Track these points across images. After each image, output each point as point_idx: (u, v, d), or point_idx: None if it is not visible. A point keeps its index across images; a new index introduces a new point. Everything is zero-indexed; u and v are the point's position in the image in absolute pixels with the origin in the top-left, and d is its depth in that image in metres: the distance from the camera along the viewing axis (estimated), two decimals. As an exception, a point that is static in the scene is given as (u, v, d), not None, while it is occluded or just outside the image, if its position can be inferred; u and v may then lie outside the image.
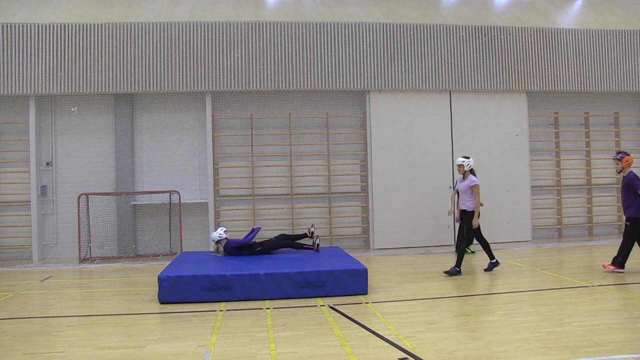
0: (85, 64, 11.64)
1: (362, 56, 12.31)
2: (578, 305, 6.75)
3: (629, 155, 8.64)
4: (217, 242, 9.09)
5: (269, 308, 6.80)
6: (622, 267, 8.50)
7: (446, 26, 12.61)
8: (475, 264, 9.97)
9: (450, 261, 10.55)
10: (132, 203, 12.08)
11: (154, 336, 5.77)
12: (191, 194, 12.28)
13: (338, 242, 12.48)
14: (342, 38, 12.29)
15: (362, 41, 12.33)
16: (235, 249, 8.95)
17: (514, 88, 12.80)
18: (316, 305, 6.89)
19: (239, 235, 9.69)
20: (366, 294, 7.41)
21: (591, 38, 13.14)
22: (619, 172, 8.74)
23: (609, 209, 13.54)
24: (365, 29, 12.37)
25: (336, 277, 7.36)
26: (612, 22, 13.80)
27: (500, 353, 4.86)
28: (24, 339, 5.69)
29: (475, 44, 12.67)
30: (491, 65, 12.69)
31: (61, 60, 11.59)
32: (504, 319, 6.10)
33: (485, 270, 9.00)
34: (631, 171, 8.60)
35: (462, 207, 9.07)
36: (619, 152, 8.78)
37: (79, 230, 11.51)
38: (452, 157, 12.59)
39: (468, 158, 9.09)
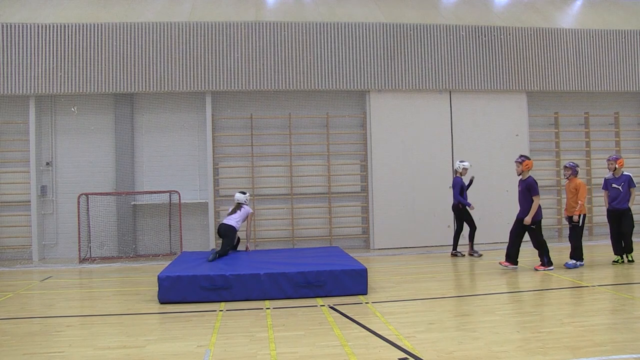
0: (85, 64, 11.64)
1: (362, 56, 12.31)
2: (578, 305, 6.76)
3: (529, 159, 9.01)
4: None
5: (268, 308, 6.80)
6: (551, 264, 8.99)
7: (446, 26, 12.61)
8: (485, 263, 9.96)
9: (450, 261, 10.56)
10: (132, 203, 12.08)
11: (154, 336, 5.77)
12: (191, 194, 12.28)
13: (338, 242, 12.48)
14: (342, 38, 12.29)
15: (362, 41, 12.33)
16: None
17: (514, 88, 12.80)
18: (316, 305, 6.89)
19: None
20: (366, 294, 7.41)
21: (591, 38, 13.14)
22: (519, 175, 9.05)
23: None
24: (365, 29, 12.37)
25: (336, 277, 7.36)
26: (612, 22, 13.80)
27: (500, 353, 4.85)
28: (24, 339, 5.69)
29: (475, 44, 12.67)
30: (491, 65, 12.69)
31: (61, 60, 11.59)
32: (504, 319, 6.10)
33: None
34: (530, 176, 8.98)
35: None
36: (521, 156, 9.10)
37: (79, 230, 11.51)
38: (452, 157, 12.59)
39: (244, 193, 9.82)
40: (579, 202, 8.98)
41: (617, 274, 8.54)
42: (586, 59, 13.10)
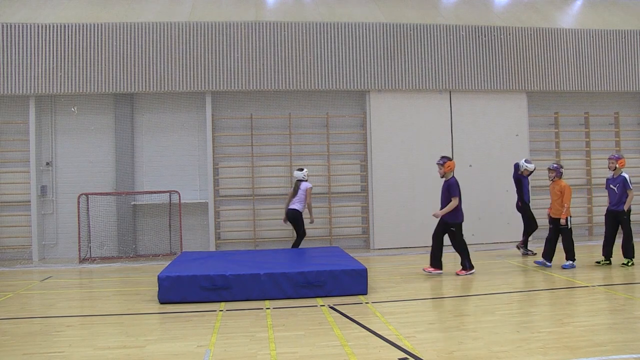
0: (85, 64, 11.63)
1: (362, 56, 12.31)
2: (578, 305, 6.76)
3: (451, 160, 8.88)
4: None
5: (268, 308, 6.80)
6: (472, 267, 8.86)
7: (446, 26, 12.61)
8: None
9: (450, 261, 10.56)
10: (132, 203, 12.08)
11: (154, 336, 5.77)
12: (191, 194, 12.28)
13: (338, 242, 12.48)
14: (342, 38, 12.28)
15: (362, 41, 12.33)
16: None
17: (514, 88, 12.79)
18: (316, 305, 6.89)
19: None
20: (366, 294, 7.42)
21: (591, 38, 13.14)
22: (442, 177, 8.94)
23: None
24: (365, 29, 12.37)
25: (336, 277, 7.36)
26: (612, 22, 13.80)
27: (500, 353, 4.86)
28: (24, 339, 5.69)
29: (475, 44, 12.66)
30: (491, 65, 12.69)
31: (61, 60, 11.59)
32: (504, 319, 6.10)
33: None
34: (453, 177, 8.88)
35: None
36: (442, 157, 8.96)
37: (79, 230, 11.51)
38: (452, 157, 12.59)
39: (301, 170, 10.73)
40: (565, 205, 8.96)
41: (617, 274, 8.54)
42: (586, 59, 13.10)
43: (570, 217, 9.10)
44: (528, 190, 10.55)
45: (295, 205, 10.57)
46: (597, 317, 6.01)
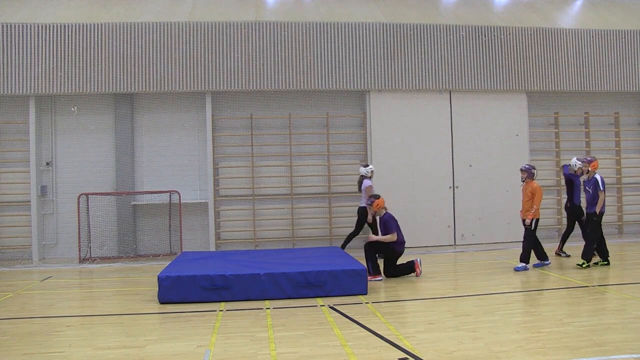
0: (85, 64, 11.63)
1: (362, 56, 12.30)
2: (578, 305, 6.76)
3: (379, 197, 8.88)
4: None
5: (269, 308, 6.81)
6: (379, 273, 8.66)
7: (446, 26, 12.61)
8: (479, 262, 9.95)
9: (450, 261, 10.56)
10: (132, 203, 12.08)
11: (154, 336, 5.77)
12: (191, 194, 12.28)
13: (338, 242, 12.44)
14: (342, 38, 12.28)
15: (362, 41, 12.33)
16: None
17: (514, 88, 12.79)
18: (316, 305, 6.89)
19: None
20: (366, 294, 7.42)
21: (591, 38, 13.14)
22: (374, 215, 8.87)
23: (609, 209, 13.47)
24: (365, 29, 12.37)
25: (336, 277, 7.37)
26: (612, 22, 13.80)
27: (500, 353, 4.86)
28: (24, 339, 5.70)
29: (475, 44, 12.66)
30: (491, 65, 12.69)
31: (61, 60, 11.58)
32: (504, 319, 6.10)
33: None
34: (386, 212, 8.85)
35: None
36: (370, 197, 9.02)
37: (79, 230, 11.51)
38: (452, 157, 12.59)
39: (366, 166, 10.92)
40: (534, 206, 8.94)
41: (617, 274, 8.54)
42: (586, 59, 13.09)
43: (538, 219, 9.06)
44: (580, 191, 10.12)
45: (362, 202, 10.84)
46: (597, 317, 6.02)
